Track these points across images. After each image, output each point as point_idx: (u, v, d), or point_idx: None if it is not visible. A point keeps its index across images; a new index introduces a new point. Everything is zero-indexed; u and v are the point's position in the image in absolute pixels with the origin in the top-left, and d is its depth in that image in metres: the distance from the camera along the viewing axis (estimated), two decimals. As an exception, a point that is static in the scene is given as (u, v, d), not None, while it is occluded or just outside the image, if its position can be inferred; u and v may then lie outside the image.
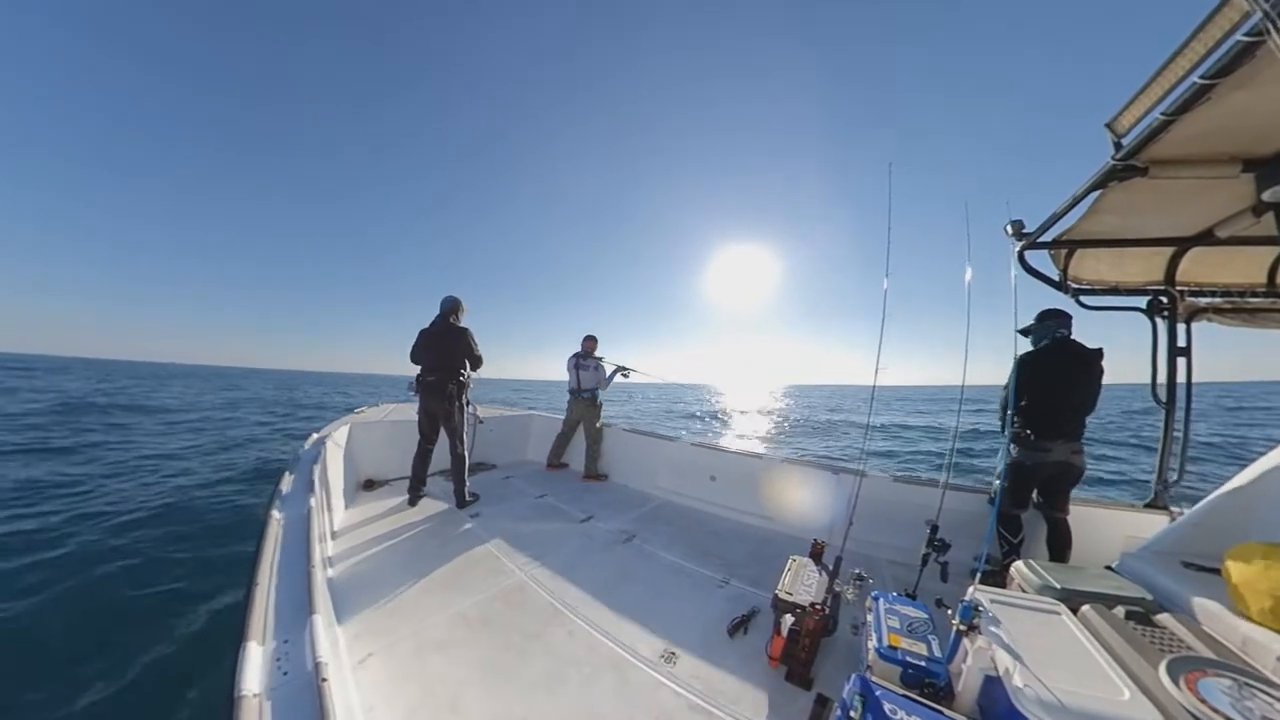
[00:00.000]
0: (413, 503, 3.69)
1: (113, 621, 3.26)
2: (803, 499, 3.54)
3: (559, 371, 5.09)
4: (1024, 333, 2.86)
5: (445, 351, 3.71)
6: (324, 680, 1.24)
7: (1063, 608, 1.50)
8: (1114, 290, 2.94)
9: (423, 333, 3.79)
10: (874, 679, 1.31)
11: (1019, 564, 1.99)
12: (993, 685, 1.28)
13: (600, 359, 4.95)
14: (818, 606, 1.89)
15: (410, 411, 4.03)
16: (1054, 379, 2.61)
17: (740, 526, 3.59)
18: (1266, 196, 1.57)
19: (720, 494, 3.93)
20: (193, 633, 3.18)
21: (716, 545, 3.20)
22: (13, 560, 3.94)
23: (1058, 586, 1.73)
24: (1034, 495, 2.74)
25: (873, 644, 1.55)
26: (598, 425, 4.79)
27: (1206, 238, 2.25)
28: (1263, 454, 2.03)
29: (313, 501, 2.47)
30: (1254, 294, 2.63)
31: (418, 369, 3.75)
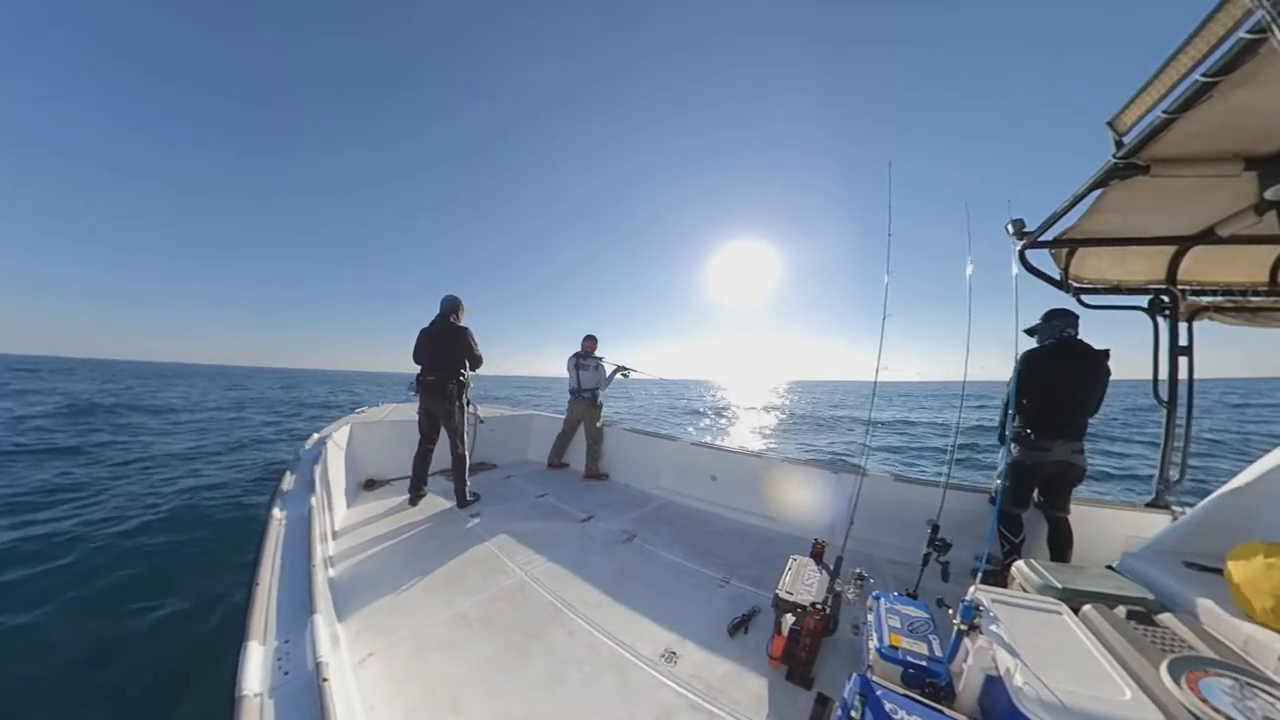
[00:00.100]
0: (413, 502, 3.70)
1: (114, 621, 3.27)
2: (804, 499, 3.54)
3: (561, 368, 5.08)
4: (1030, 332, 2.85)
5: (445, 351, 3.71)
6: (325, 680, 1.24)
7: (1064, 607, 1.50)
8: (1115, 289, 2.93)
9: (423, 332, 3.79)
10: (875, 679, 1.31)
11: (1020, 564, 1.99)
12: (994, 685, 1.28)
13: (600, 359, 4.95)
14: (818, 606, 1.89)
15: (411, 411, 4.03)
16: (1056, 378, 2.61)
17: (741, 526, 3.59)
18: (1269, 195, 1.57)
19: (721, 494, 3.93)
20: (194, 632, 3.19)
21: (717, 545, 3.20)
22: (19, 562, 3.95)
23: (1059, 586, 1.73)
24: (1035, 495, 2.74)
25: (873, 643, 1.55)
26: (598, 425, 4.80)
27: (1208, 236, 2.24)
28: (1265, 453, 2.03)
29: (313, 501, 2.47)
30: (1256, 293, 2.62)
31: (419, 368, 3.76)
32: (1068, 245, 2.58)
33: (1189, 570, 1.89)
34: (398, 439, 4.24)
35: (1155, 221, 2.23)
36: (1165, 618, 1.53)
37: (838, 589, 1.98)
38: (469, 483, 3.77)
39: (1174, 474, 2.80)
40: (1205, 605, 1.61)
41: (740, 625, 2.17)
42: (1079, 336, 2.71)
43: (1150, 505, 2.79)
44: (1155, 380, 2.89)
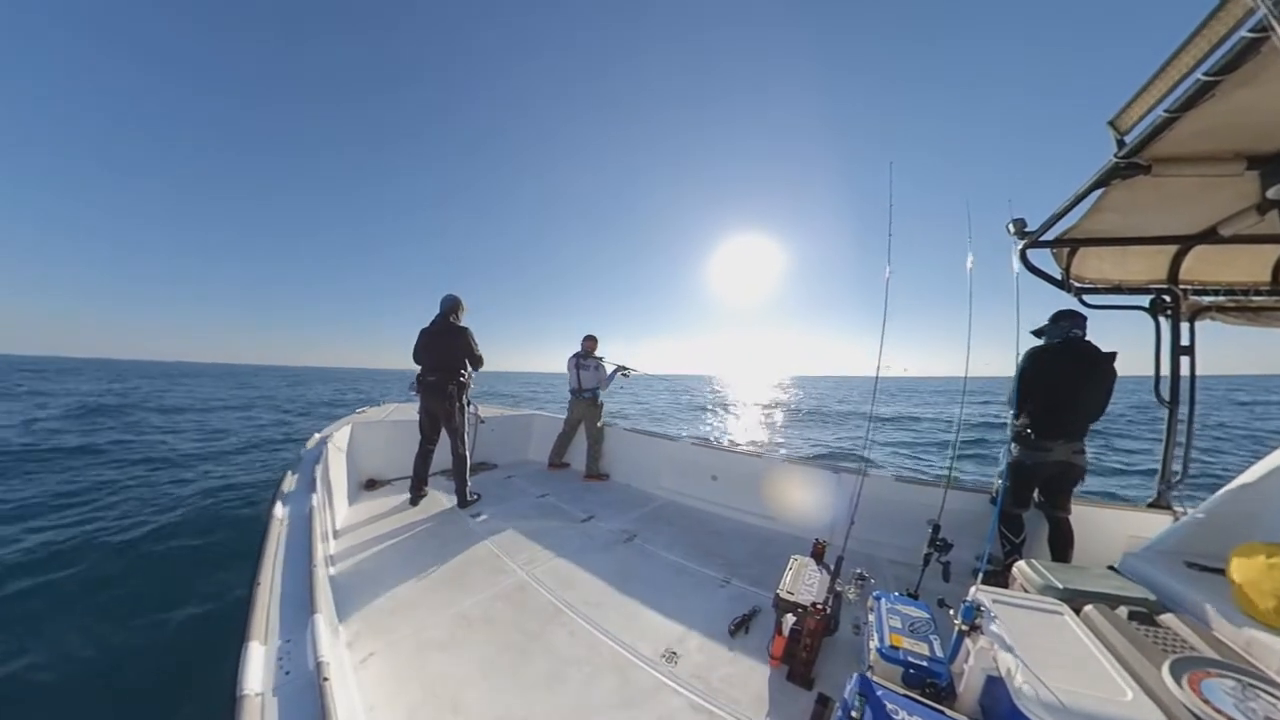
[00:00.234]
0: (414, 502, 3.70)
1: (115, 620, 3.28)
2: (804, 499, 3.54)
3: (564, 365, 5.07)
4: (1038, 334, 2.84)
5: (445, 351, 3.71)
6: (326, 680, 1.24)
7: (1065, 608, 1.50)
8: (1117, 289, 2.92)
9: (423, 332, 3.79)
10: (875, 679, 1.31)
11: (1021, 564, 1.98)
12: (995, 685, 1.28)
13: (600, 359, 4.96)
14: (819, 606, 1.88)
15: (411, 411, 4.04)
16: (1060, 376, 2.60)
17: (742, 526, 3.59)
18: (1271, 194, 1.56)
19: (722, 494, 3.93)
20: (195, 632, 3.20)
21: (718, 545, 3.20)
22: (31, 568, 3.97)
23: (1060, 586, 1.73)
24: (1035, 495, 2.74)
25: (874, 644, 1.55)
26: (599, 425, 4.80)
27: (1210, 236, 2.23)
28: (1267, 453, 2.02)
29: (315, 501, 2.47)
30: (1258, 292, 2.61)
31: (419, 368, 3.76)
32: (1069, 245, 2.58)
33: (1191, 571, 1.89)
34: (398, 439, 4.25)
35: (1157, 221, 2.22)
36: (1167, 618, 1.53)
37: (838, 589, 1.97)
38: (470, 483, 3.77)
39: (1176, 474, 2.79)
40: (1207, 606, 1.60)
41: (741, 625, 2.17)
42: (1086, 338, 2.70)
43: (1152, 505, 2.79)
44: (1157, 380, 2.88)
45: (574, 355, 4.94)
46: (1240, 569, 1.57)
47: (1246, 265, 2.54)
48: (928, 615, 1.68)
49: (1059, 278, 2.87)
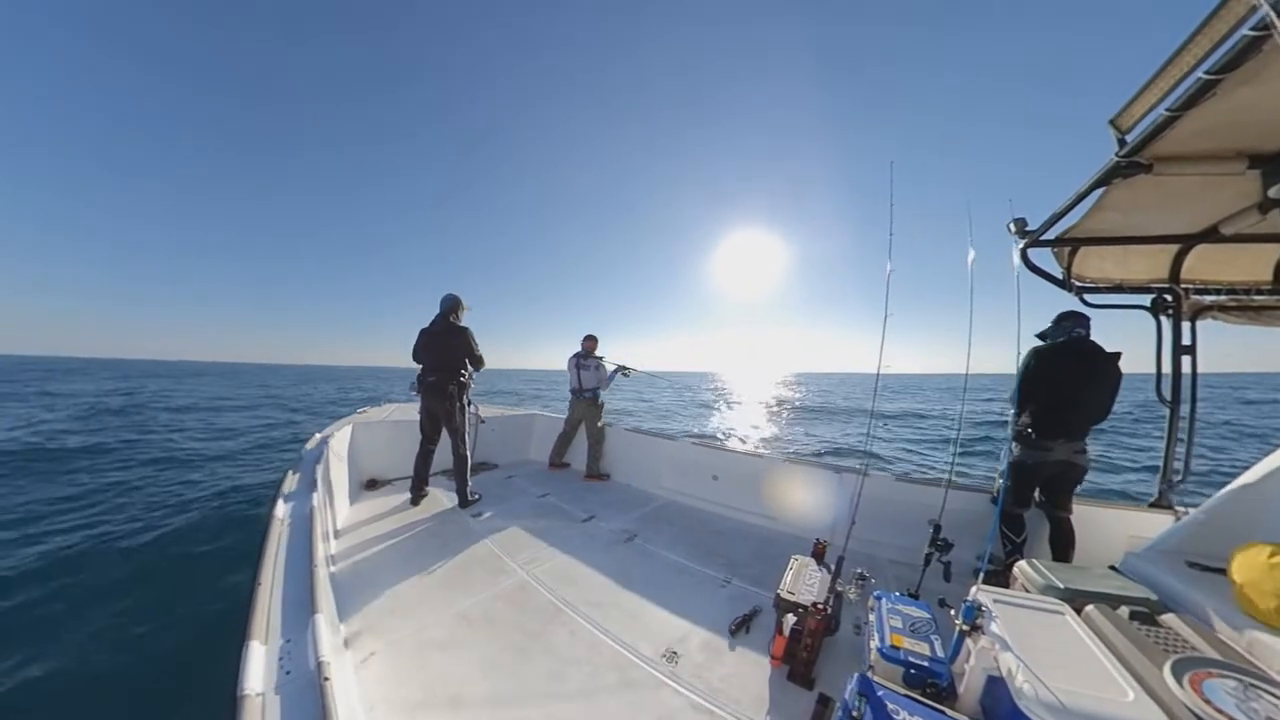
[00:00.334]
0: (415, 502, 3.70)
1: (116, 621, 3.28)
2: (805, 499, 3.54)
3: (564, 362, 5.07)
4: (1042, 337, 2.83)
5: (445, 351, 3.71)
6: (326, 679, 1.24)
7: (1066, 608, 1.50)
8: (1118, 288, 2.92)
9: (423, 332, 3.79)
10: (876, 679, 1.31)
11: (1022, 564, 1.98)
12: (996, 686, 1.28)
13: (601, 359, 4.95)
14: (820, 606, 1.88)
15: (412, 411, 4.04)
16: (1062, 375, 2.59)
17: (743, 526, 3.59)
18: (1273, 193, 1.56)
19: (722, 494, 3.93)
20: (195, 631, 3.20)
21: (719, 545, 3.20)
22: (43, 574, 3.98)
23: (1061, 586, 1.72)
24: (1036, 494, 2.73)
25: (875, 644, 1.55)
26: (599, 425, 4.80)
27: (1211, 235, 2.23)
28: (1268, 453, 2.02)
29: (315, 501, 2.48)
30: (1259, 291, 2.61)
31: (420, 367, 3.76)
32: (1070, 244, 2.57)
33: (1192, 571, 1.89)
34: (399, 439, 4.25)
35: (1158, 220, 2.22)
36: (1168, 618, 1.52)
37: (839, 589, 1.97)
38: (470, 483, 3.77)
39: (1177, 474, 2.79)
40: (1209, 606, 1.60)
41: (742, 625, 2.17)
42: (1091, 338, 2.69)
43: (1153, 505, 2.78)
44: (1158, 380, 2.88)
45: (574, 355, 4.94)
46: (1242, 569, 1.57)
47: (1248, 264, 2.53)
48: (929, 615, 1.68)
49: (1060, 277, 2.87)
